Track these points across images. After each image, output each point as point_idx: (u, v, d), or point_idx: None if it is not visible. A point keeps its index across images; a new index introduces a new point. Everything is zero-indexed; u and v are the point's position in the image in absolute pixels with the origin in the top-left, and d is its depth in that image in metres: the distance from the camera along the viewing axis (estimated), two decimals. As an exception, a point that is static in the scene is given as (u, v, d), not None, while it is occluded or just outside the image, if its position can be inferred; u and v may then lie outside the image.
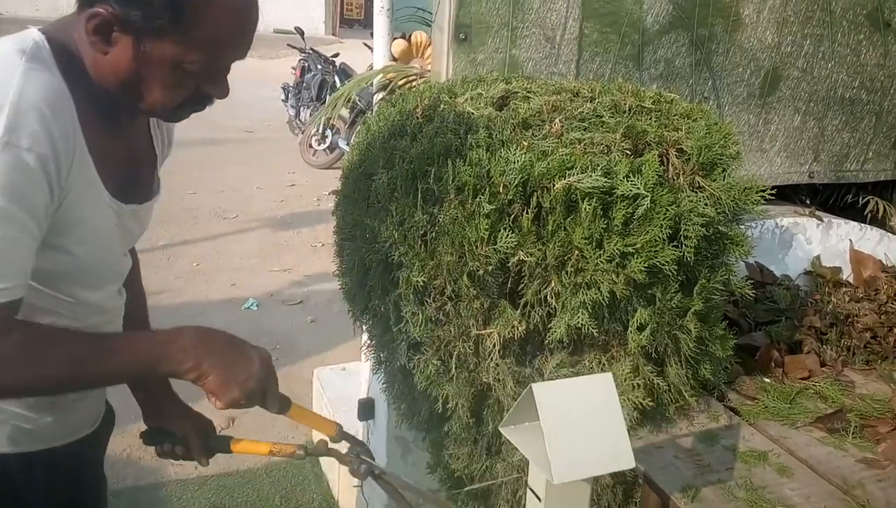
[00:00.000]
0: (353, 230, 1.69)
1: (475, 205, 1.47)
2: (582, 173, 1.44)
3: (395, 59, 2.51)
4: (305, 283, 5.79)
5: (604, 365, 1.65)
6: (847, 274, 2.90)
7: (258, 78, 12.64)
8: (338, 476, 3.23)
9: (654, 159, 1.48)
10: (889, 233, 3.15)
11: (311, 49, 10.45)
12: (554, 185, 1.44)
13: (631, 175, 1.45)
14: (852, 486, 1.53)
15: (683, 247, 1.48)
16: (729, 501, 1.47)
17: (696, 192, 1.54)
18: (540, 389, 1.11)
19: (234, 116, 10.72)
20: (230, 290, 5.69)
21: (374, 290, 1.68)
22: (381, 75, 2.30)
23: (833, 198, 3.34)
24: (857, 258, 2.92)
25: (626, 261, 1.45)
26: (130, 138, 1.32)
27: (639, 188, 1.43)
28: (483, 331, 1.56)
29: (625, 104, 1.72)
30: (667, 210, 1.44)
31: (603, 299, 1.47)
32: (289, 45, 11.13)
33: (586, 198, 1.43)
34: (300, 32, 10.68)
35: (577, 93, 1.83)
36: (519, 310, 1.55)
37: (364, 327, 1.89)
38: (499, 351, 1.56)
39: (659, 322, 1.54)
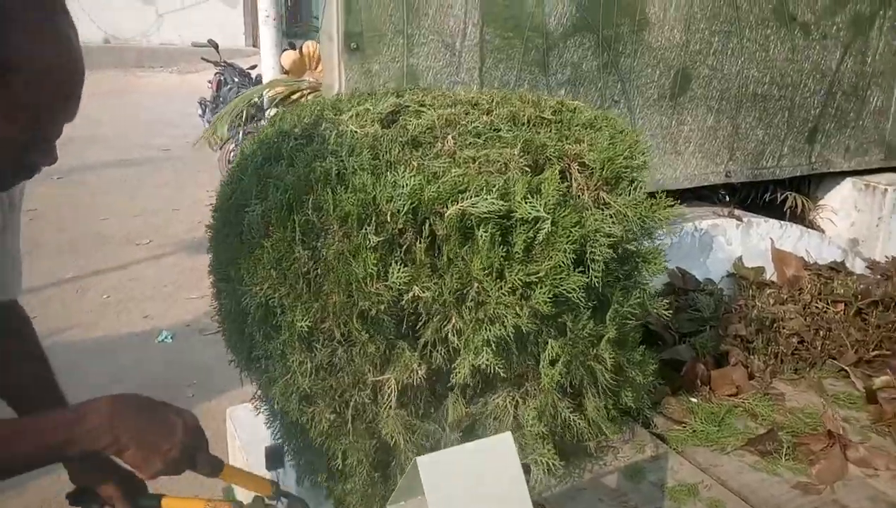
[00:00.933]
0: (227, 270, 1.50)
1: (361, 238, 1.30)
2: (476, 196, 1.29)
3: (286, 72, 2.32)
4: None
5: (517, 402, 1.50)
6: (770, 274, 2.85)
7: (175, 93, 12.18)
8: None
9: (555, 176, 1.34)
10: (809, 229, 3.14)
11: (226, 62, 10.09)
12: (447, 211, 1.28)
13: (530, 195, 1.30)
14: (787, 516, 1.42)
15: (591, 270, 1.34)
16: (658, 547, 1.34)
17: (602, 209, 1.40)
18: (426, 463, 0.94)
19: (149, 134, 10.27)
20: (143, 323, 5.35)
21: (256, 338, 1.48)
22: (268, 90, 2.10)
23: (752, 196, 3.31)
24: (779, 257, 2.88)
25: (530, 292, 1.30)
26: None
27: (538, 210, 1.28)
28: (380, 378, 1.39)
29: (524, 115, 1.58)
30: (570, 232, 1.30)
31: (508, 334, 1.32)
32: (203, 58, 10.75)
33: (482, 224, 1.28)
34: (214, 45, 10.31)
35: (475, 105, 1.68)
36: (418, 352, 1.38)
37: (251, 378, 1.69)
38: (397, 399, 1.38)
39: (572, 353, 1.40)
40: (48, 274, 6.45)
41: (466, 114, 1.59)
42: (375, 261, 1.29)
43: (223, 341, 1.72)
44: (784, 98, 2.94)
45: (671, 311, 2.35)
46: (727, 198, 3.24)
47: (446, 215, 1.27)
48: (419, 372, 1.36)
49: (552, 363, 1.39)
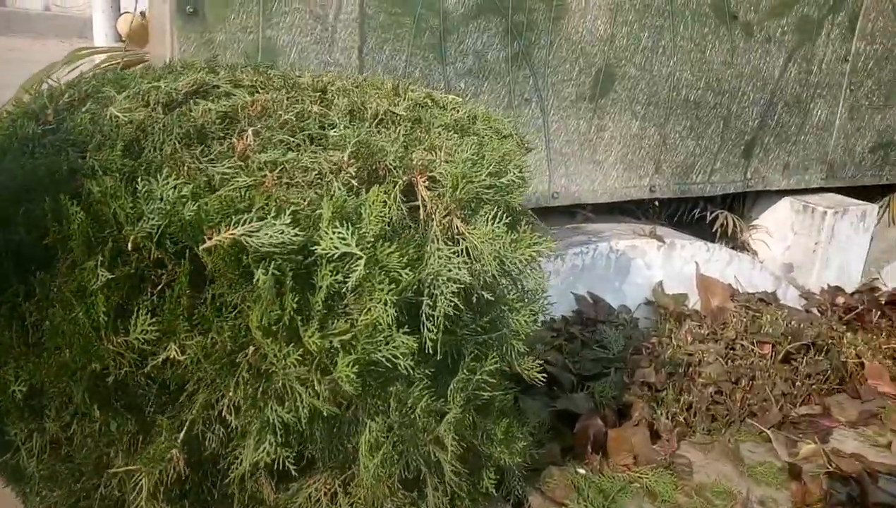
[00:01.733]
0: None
1: (88, 272, 0.90)
2: (260, 220, 0.90)
3: (123, 40, 1.88)
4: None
5: (335, 494, 1.12)
6: (694, 302, 2.55)
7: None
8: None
9: (382, 196, 0.96)
10: (739, 253, 2.85)
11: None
12: (213, 239, 0.89)
13: (340, 223, 0.91)
14: None
15: (426, 329, 0.97)
16: None
17: (455, 243, 1.03)
18: None
19: None
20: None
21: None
22: (81, 61, 1.67)
23: (680, 212, 3.01)
24: (705, 284, 2.57)
25: (333, 360, 0.92)
26: None
27: (348, 244, 0.90)
28: (126, 468, 0.99)
29: (370, 108, 1.20)
30: (396, 276, 0.92)
31: (302, 419, 0.94)
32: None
33: (264, 262, 0.89)
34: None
35: (318, 90, 1.29)
36: (182, 432, 0.98)
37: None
38: (156, 498, 0.99)
39: (402, 437, 1.03)
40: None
41: (294, 102, 1.20)
42: (107, 307, 0.89)
43: None
44: (720, 106, 2.63)
45: (570, 342, 2.03)
46: (653, 214, 2.93)
47: (209, 245, 0.88)
48: (179, 462, 0.97)
49: (373, 450, 1.02)
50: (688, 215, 3.00)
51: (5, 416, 1.02)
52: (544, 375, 1.22)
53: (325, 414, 0.93)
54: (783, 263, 3.18)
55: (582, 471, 1.49)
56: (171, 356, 0.93)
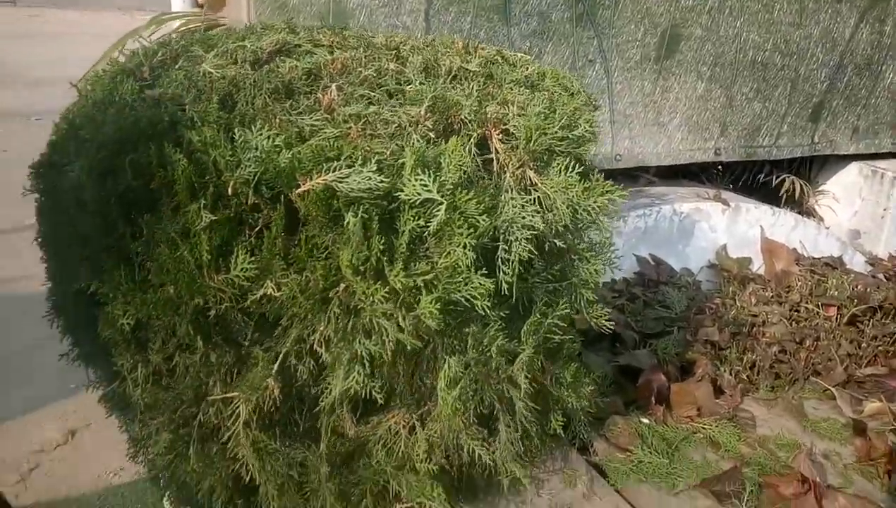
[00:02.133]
0: (50, 246, 1.18)
1: (192, 214, 0.98)
2: (348, 168, 0.96)
3: (200, 5, 1.97)
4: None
5: (413, 428, 1.19)
6: (758, 267, 2.53)
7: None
8: None
9: (459, 147, 1.01)
10: (805, 218, 2.80)
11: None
12: (307, 185, 0.96)
13: (422, 171, 0.97)
14: (739, 589, 1.13)
15: (501, 272, 1.02)
16: None
17: (527, 193, 1.08)
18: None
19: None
20: None
21: (80, 331, 1.17)
22: (161, 26, 1.75)
23: (745, 177, 2.97)
24: (769, 248, 2.55)
25: (417, 298, 0.98)
26: None
27: (430, 190, 0.96)
28: (225, 395, 1.08)
29: (443, 65, 1.24)
30: (475, 222, 0.98)
31: (387, 352, 1.00)
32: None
33: (353, 206, 0.95)
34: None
35: (392, 49, 1.34)
36: (276, 364, 1.06)
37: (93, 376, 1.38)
38: (251, 422, 1.08)
39: (478, 375, 1.09)
40: (9, 219, 6.14)
41: (371, 60, 1.25)
42: (210, 247, 0.97)
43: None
44: (787, 68, 2.58)
45: (632, 303, 2.05)
46: (717, 178, 2.90)
47: (302, 191, 0.95)
48: (274, 391, 1.05)
49: (452, 385, 1.08)
50: (753, 179, 2.97)
51: (113, 348, 1.12)
52: (609, 327, 1.26)
53: (408, 347, 1.00)
54: (850, 229, 3.11)
55: (646, 421, 1.53)
56: (268, 292, 1.00)
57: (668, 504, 1.31)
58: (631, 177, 2.57)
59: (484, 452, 1.16)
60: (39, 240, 1.26)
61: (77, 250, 1.08)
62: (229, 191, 0.98)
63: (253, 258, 0.99)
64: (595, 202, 1.05)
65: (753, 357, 1.85)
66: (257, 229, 1.02)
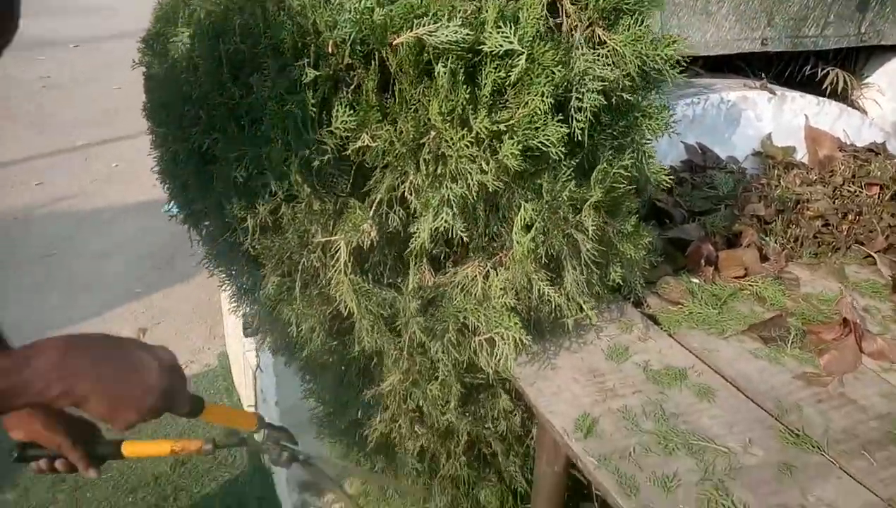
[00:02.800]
0: (158, 112, 1.31)
1: (298, 72, 1.10)
2: (436, 23, 1.06)
3: None
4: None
5: (488, 274, 1.33)
6: (801, 155, 2.59)
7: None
8: (244, 392, 2.97)
9: (537, 2, 1.10)
10: (850, 108, 2.83)
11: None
12: (399, 40, 1.07)
13: (502, 24, 1.07)
14: (786, 410, 1.26)
15: (574, 121, 1.13)
16: (631, 435, 1.20)
17: (596, 49, 1.17)
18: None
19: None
20: (151, 191, 5.26)
21: (192, 189, 1.31)
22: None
23: (790, 70, 2.98)
24: (813, 135, 2.60)
25: (499, 143, 1.10)
26: None
27: (512, 42, 1.06)
28: (328, 239, 1.22)
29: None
30: (551, 72, 1.08)
31: (472, 194, 1.13)
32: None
33: (443, 58, 1.06)
34: None
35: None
36: (372, 210, 1.20)
37: (198, 235, 1.54)
38: (349, 264, 1.22)
39: (549, 219, 1.21)
40: (57, 142, 6.35)
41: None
42: (315, 102, 1.09)
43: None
44: (838, -47, 2.56)
45: (679, 186, 2.15)
46: (761, 75, 2.92)
47: (397, 44, 1.05)
48: (371, 233, 1.19)
49: (526, 229, 1.21)
50: (798, 72, 2.98)
51: (225, 201, 1.27)
52: (668, 181, 1.37)
53: (490, 189, 1.12)
54: (894, 122, 3.12)
55: (695, 280, 1.65)
56: (365, 143, 1.13)
57: (717, 346, 1.44)
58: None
59: (552, 291, 1.29)
60: (146, 112, 1.40)
61: (190, 112, 1.21)
62: (329, 49, 1.09)
63: (351, 112, 1.11)
64: (663, 53, 1.14)
65: (798, 231, 1.94)
66: (353, 86, 1.13)
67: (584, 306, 1.31)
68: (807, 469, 1.14)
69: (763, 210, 1.98)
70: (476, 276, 1.33)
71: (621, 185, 1.25)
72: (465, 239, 1.17)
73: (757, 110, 2.53)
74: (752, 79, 2.75)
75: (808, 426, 1.23)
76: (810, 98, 2.64)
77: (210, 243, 1.42)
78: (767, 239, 1.87)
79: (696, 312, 1.54)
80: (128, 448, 1.16)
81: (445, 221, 1.14)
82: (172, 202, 5.47)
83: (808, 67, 2.96)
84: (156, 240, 4.61)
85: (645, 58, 1.14)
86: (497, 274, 1.31)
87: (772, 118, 2.56)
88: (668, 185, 2.16)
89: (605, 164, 1.20)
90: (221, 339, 3.58)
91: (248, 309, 1.52)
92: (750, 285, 1.64)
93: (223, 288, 1.61)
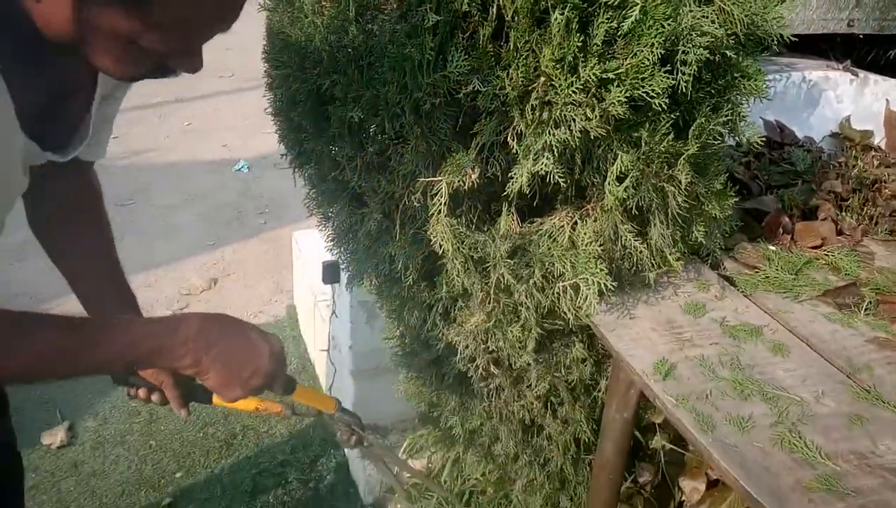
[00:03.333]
0: (280, 55, 1.41)
1: (419, 17, 1.18)
2: (553, -26, 1.13)
3: None
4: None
5: (575, 224, 1.40)
6: (879, 139, 2.58)
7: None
8: (313, 341, 3.11)
9: (649, -43, 1.16)
10: (933, 95, 2.78)
11: None
12: (517, -10, 1.14)
13: (617, -24, 1.13)
14: (857, 369, 1.31)
15: (679, 74, 1.19)
16: (709, 380, 1.26)
17: (703, 6, 1.22)
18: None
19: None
20: (221, 151, 5.45)
21: (306, 130, 1.41)
22: None
23: (874, 54, 2.95)
24: (893, 120, 2.58)
25: (605, 91, 1.16)
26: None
27: (625, -7, 1.12)
28: (431, 179, 1.31)
29: None
30: (661, 25, 1.14)
31: (574, 140, 1.20)
32: None
33: (558, 6, 1.13)
34: None
35: None
36: (474, 154, 1.28)
37: (302, 177, 1.64)
38: (448, 206, 1.30)
39: (643, 171, 1.27)
40: (133, 98, 6.61)
41: None
42: (434, 46, 1.17)
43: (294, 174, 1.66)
44: (933, -66, 2.52)
45: (768, 156, 2.17)
46: (846, 54, 2.89)
47: (515, -8, 1.12)
48: (473, 175, 1.27)
49: (619, 179, 1.27)
50: (883, 57, 2.94)
51: (338, 140, 1.36)
52: (759, 143, 1.42)
53: (592, 136, 1.19)
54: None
55: (772, 247, 1.69)
56: (475, 88, 1.20)
57: (791, 308, 1.49)
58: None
59: (638, 243, 1.36)
60: (265, 55, 1.50)
61: (313, 54, 1.30)
62: (449, -5, 1.17)
63: (466, 57, 1.19)
64: (772, 12, 1.19)
65: (874, 210, 1.96)
66: (469, 33, 1.21)
67: (669, 257, 1.37)
68: (877, 421, 1.18)
69: (840, 187, 1.99)
70: (563, 226, 1.41)
71: (715, 143, 1.30)
72: (561, 183, 1.24)
73: (838, 91, 2.52)
74: (835, 62, 2.73)
75: (879, 384, 1.27)
76: (893, 81, 2.61)
77: (316, 183, 1.52)
78: (844, 215, 1.90)
79: (771, 277, 1.58)
80: (217, 399, 1.28)
81: (545, 166, 1.21)
82: (243, 162, 5.62)
83: (894, 52, 2.92)
84: (226, 197, 4.78)
85: (753, 16, 1.19)
86: (584, 225, 1.38)
87: (852, 100, 2.55)
88: (747, 159, 2.21)
89: (702, 119, 1.25)
90: (288, 294, 3.71)
91: (342, 250, 1.62)
92: (825, 255, 1.67)
93: (320, 228, 1.71)
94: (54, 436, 2.67)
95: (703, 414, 1.18)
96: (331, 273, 2.35)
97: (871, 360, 1.34)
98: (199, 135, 5.72)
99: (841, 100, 2.52)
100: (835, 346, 1.38)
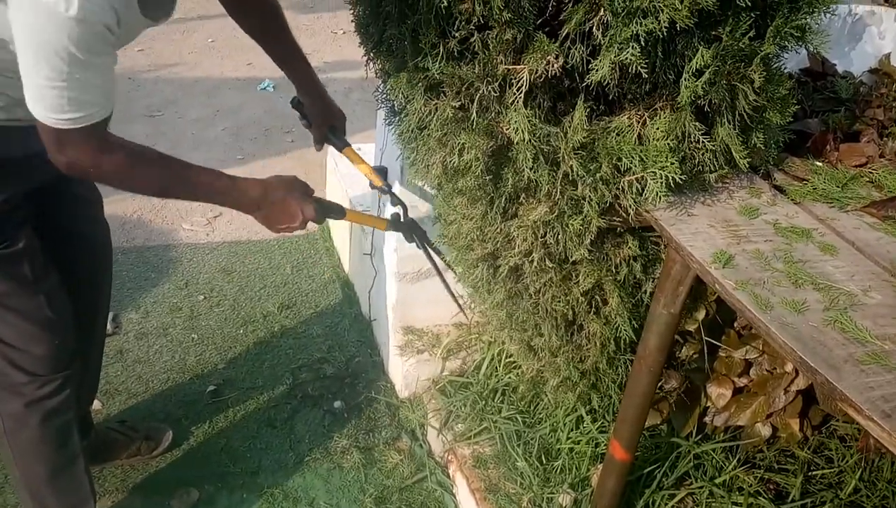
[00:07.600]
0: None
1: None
2: None
3: None
4: (324, 70, 5.50)
5: (645, 121, 1.47)
6: (917, 78, 2.62)
7: None
8: (348, 252, 3.19)
9: None
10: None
11: None
12: None
13: None
14: (901, 270, 1.40)
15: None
16: (764, 270, 1.35)
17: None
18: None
19: None
20: (246, 69, 5.43)
21: (391, 17, 1.46)
22: None
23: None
24: (933, 60, 2.62)
25: (694, -18, 1.21)
26: None
27: None
28: (513, 66, 1.37)
29: None
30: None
31: (661, 31, 1.25)
32: None
33: None
34: None
35: None
36: (557, 44, 1.34)
37: (377, 68, 1.69)
38: (525, 96, 1.36)
39: (720, 67, 1.33)
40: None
41: None
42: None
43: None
44: None
45: (800, 88, 2.22)
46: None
47: None
48: (555, 63, 1.33)
49: (697, 74, 1.34)
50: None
51: (423, 27, 1.41)
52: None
53: (678, 27, 1.24)
54: None
55: (819, 163, 1.76)
56: (567, -24, 1.25)
57: (839, 216, 1.57)
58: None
59: (706, 139, 1.43)
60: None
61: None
62: None
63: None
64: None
65: (914, 139, 2.02)
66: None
67: (736, 155, 1.44)
68: (921, 314, 1.28)
69: (883, 115, 2.05)
70: (633, 123, 1.47)
71: (788, 45, 1.36)
72: (643, 73, 1.30)
73: (882, 27, 2.55)
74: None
75: (923, 285, 1.36)
76: (937, 21, 2.64)
77: (391, 73, 1.58)
78: (885, 140, 1.96)
79: (819, 188, 1.66)
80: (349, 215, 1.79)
81: (632, 54, 1.27)
82: (268, 81, 5.55)
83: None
84: (252, 114, 4.80)
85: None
86: (653, 123, 1.45)
87: (894, 37, 2.58)
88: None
89: (780, 20, 1.31)
90: (317, 209, 3.78)
91: (410, 145, 1.68)
92: (870, 173, 1.75)
93: (388, 122, 1.77)
94: (99, 325, 2.77)
95: (761, 297, 1.27)
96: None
97: (914, 264, 1.43)
98: (222, 52, 5.70)
99: (883, 37, 2.55)
100: (880, 250, 1.46)
